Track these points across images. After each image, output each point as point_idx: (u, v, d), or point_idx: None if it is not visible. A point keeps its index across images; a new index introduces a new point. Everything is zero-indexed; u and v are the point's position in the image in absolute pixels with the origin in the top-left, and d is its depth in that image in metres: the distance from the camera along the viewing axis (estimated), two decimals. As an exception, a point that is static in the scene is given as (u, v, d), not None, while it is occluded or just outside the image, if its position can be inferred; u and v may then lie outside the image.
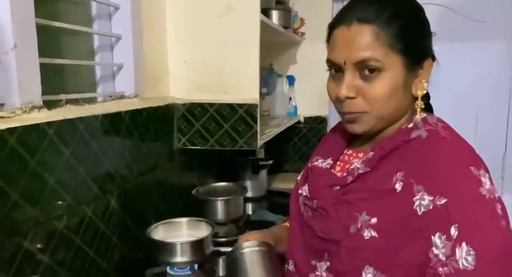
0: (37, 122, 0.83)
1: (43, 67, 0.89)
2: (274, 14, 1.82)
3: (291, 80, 2.38)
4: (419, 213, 0.69)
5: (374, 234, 0.73)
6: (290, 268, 0.90)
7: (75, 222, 0.96)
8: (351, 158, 0.87)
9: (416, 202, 0.70)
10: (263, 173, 2.04)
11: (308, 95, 2.40)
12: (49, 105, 0.91)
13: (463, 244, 0.66)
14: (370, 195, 0.76)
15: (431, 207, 0.69)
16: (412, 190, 0.71)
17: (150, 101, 1.29)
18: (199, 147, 1.46)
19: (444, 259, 0.67)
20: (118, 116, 1.11)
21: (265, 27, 1.47)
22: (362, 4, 0.77)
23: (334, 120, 2.27)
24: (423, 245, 0.69)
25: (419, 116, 0.79)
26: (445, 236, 0.67)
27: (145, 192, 1.28)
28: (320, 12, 2.27)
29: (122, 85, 1.24)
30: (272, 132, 1.68)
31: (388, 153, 0.77)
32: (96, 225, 1.03)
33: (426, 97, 0.83)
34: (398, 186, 0.73)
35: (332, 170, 0.88)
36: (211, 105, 1.43)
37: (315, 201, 0.85)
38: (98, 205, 1.04)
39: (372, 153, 0.79)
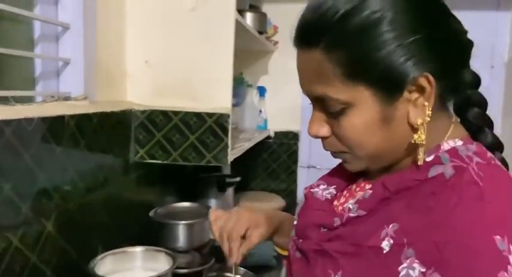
0: None
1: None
2: (249, 17, 1.66)
3: (261, 91, 2.24)
4: None
5: None
6: None
7: (-6, 254, 0.74)
8: (357, 189, 0.67)
9: (403, 272, 0.50)
10: (229, 191, 1.86)
11: (279, 108, 2.26)
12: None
13: None
14: (354, 249, 0.56)
15: None
16: (400, 254, 0.51)
17: (103, 105, 1.08)
18: (159, 162, 1.26)
19: None
20: (60, 120, 0.91)
21: (239, 29, 1.31)
22: (308, 14, 0.58)
23: (306, 135, 2.12)
24: None
25: (449, 143, 0.56)
26: None
27: (93, 214, 1.07)
28: (295, 20, 2.13)
29: (68, 84, 1.04)
30: (243, 146, 1.51)
31: (393, 194, 0.56)
32: (23, 256, 0.82)
33: (474, 104, 0.61)
34: (385, 245, 0.53)
35: (336, 202, 0.69)
36: (175, 113, 1.25)
37: (300, 240, 0.66)
38: (28, 231, 0.83)
39: (371, 191, 0.59)
